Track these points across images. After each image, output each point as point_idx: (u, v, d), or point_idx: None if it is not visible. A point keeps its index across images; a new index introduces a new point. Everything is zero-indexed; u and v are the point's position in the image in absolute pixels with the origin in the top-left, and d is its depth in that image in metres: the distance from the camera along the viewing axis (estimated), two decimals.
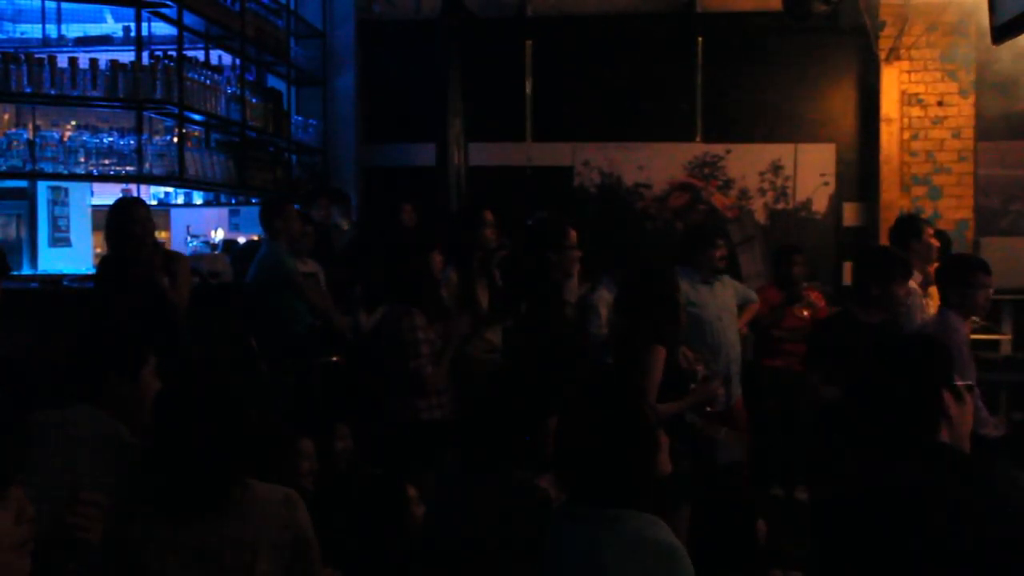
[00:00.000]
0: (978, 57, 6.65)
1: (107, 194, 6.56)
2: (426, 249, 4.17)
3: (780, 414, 5.28)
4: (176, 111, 5.15)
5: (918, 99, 6.83)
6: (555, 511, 2.19)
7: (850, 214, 6.99)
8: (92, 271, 5.57)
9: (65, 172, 4.95)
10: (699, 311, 4.76)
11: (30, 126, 5.81)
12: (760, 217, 7.04)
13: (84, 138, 4.96)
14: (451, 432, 3.03)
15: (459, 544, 2.37)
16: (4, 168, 4.78)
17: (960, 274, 3.76)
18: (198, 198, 7.01)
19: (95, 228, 7.07)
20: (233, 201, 7.11)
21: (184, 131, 5.38)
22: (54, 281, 5.26)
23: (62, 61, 4.85)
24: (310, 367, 4.77)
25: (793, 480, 5.31)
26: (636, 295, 3.49)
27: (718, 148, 7.06)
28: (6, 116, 6.07)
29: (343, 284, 5.16)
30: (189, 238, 7.46)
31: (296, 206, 5.43)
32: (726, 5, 7.00)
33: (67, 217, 6.96)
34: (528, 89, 7.20)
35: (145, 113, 5.20)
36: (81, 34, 6.80)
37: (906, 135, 6.85)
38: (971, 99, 6.78)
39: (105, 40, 6.66)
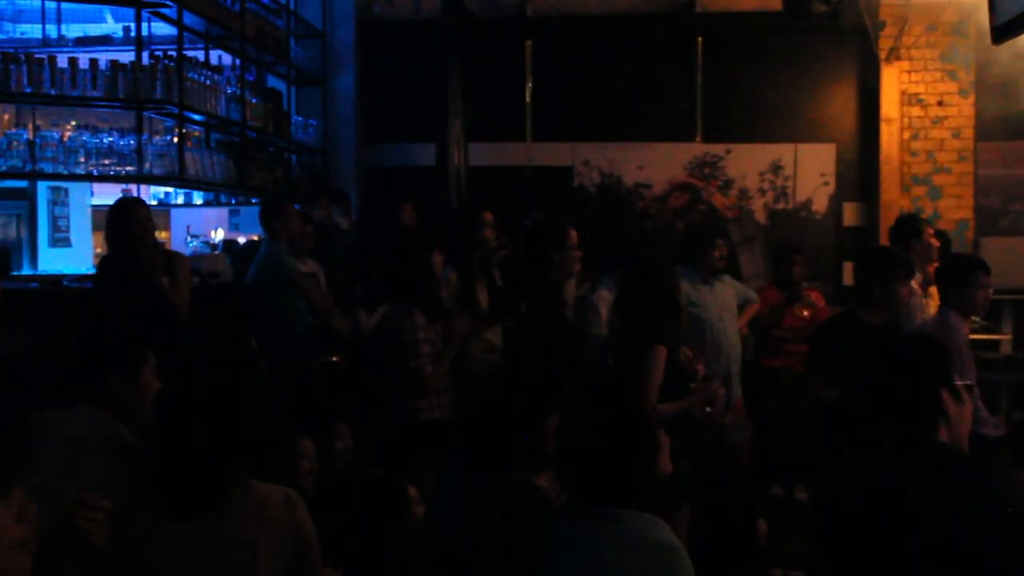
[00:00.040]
0: (978, 57, 6.66)
1: (107, 194, 6.56)
2: (427, 249, 4.17)
3: (780, 414, 5.28)
4: (176, 111, 5.15)
5: (918, 99, 6.84)
6: (555, 511, 2.19)
7: (850, 214, 6.99)
8: (92, 271, 5.57)
9: (65, 172, 4.94)
10: (700, 311, 4.76)
11: (30, 126, 5.81)
12: (760, 217, 7.04)
13: (84, 138, 4.96)
14: (451, 432, 3.03)
15: (459, 544, 2.37)
16: (4, 168, 4.78)
17: (960, 274, 3.76)
18: (198, 198, 7.01)
19: (95, 228, 7.08)
20: (233, 201, 7.11)
21: (184, 131, 5.38)
22: (54, 281, 5.27)
23: (62, 61, 4.84)
24: (310, 367, 4.77)
25: (793, 480, 5.31)
26: (636, 295, 3.48)
27: (718, 148, 7.06)
28: (6, 116, 6.08)
29: (343, 284, 5.15)
30: (189, 238, 7.46)
31: (296, 206, 5.43)
32: (726, 5, 7.00)
33: (67, 217, 6.97)
34: (528, 89, 7.20)
35: (145, 113, 5.19)
36: (81, 34, 6.80)
37: (906, 135, 6.86)
38: (971, 99, 6.79)
39: (105, 40, 6.66)
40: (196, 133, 6.03)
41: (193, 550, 1.91)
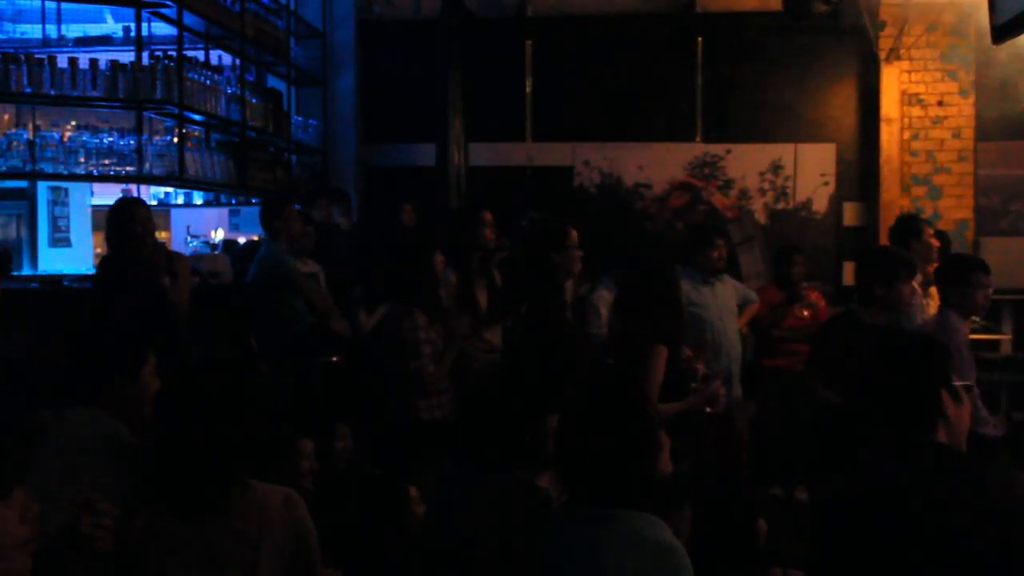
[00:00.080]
0: (978, 57, 6.66)
1: (107, 194, 6.56)
2: (429, 249, 4.17)
3: (780, 414, 5.28)
4: (176, 111, 5.15)
5: (918, 99, 6.84)
6: (555, 511, 2.20)
7: (850, 214, 6.99)
8: (92, 271, 5.57)
9: (65, 172, 4.94)
10: (700, 311, 4.77)
11: (30, 126, 5.81)
12: (760, 217, 7.05)
13: (84, 138, 4.96)
14: (451, 432, 3.03)
15: (459, 544, 2.37)
16: (4, 168, 4.78)
17: (959, 274, 3.76)
18: (198, 198, 7.00)
19: (95, 228, 7.07)
20: (233, 201, 7.10)
21: (184, 131, 5.38)
22: (54, 281, 5.26)
23: (62, 61, 4.84)
24: (310, 367, 4.76)
25: (793, 480, 5.32)
26: (636, 295, 3.48)
27: (718, 148, 7.06)
28: (6, 116, 6.07)
29: (343, 284, 5.16)
30: (189, 238, 7.46)
31: (296, 206, 5.43)
32: (726, 5, 7.00)
33: (67, 217, 6.96)
34: (528, 89, 7.20)
35: (145, 113, 5.19)
36: (81, 34, 6.80)
37: (906, 135, 6.86)
38: (971, 99, 6.79)
39: (105, 40, 6.65)
40: (196, 133, 6.03)
41: (193, 550, 1.91)
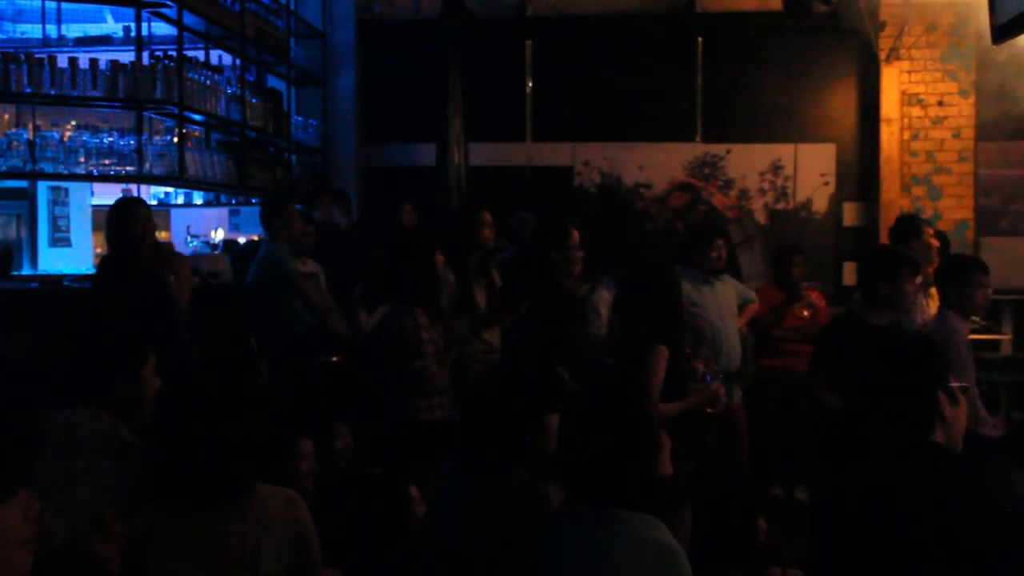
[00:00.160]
0: (978, 57, 6.66)
1: (107, 194, 6.56)
2: (429, 249, 4.17)
3: (780, 414, 5.28)
4: (176, 111, 5.15)
5: (918, 99, 6.84)
6: (555, 511, 2.20)
7: (850, 214, 6.99)
8: (92, 271, 5.57)
9: (65, 172, 4.95)
10: (700, 311, 4.77)
11: (30, 126, 5.80)
12: (760, 217, 7.05)
13: (84, 138, 4.96)
14: (451, 432, 3.03)
15: (459, 544, 2.37)
16: (4, 168, 4.78)
17: (958, 274, 3.76)
18: (198, 198, 7.01)
19: (95, 228, 7.08)
20: (233, 201, 7.11)
21: (184, 131, 5.38)
22: (54, 281, 5.26)
23: (62, 61, 4.84)
24: (310, 367, 4.77)
25: (793, 480, 5.32)
26: (636, 295, 3.48)
27: (718, 148, 7.06)
28: (6, 116, 6.07)
29: (343, 284, 5.16)
30: (189, 238, 7.45)
31: (297, 206, 5.43)
32: (726, 5, 7.00)
33: (67, 217, 6.97)
34: (528, 89, 7.20)
35: (145, 113, 5.20)
36: (81, 34, 6.80)
37: (906, 135, 6.86)
38: (971, 99, 6.79)
39: (105, 40, 6.66)
40: (196, 133, 6.03)
41: (194, 549, 1.91)
